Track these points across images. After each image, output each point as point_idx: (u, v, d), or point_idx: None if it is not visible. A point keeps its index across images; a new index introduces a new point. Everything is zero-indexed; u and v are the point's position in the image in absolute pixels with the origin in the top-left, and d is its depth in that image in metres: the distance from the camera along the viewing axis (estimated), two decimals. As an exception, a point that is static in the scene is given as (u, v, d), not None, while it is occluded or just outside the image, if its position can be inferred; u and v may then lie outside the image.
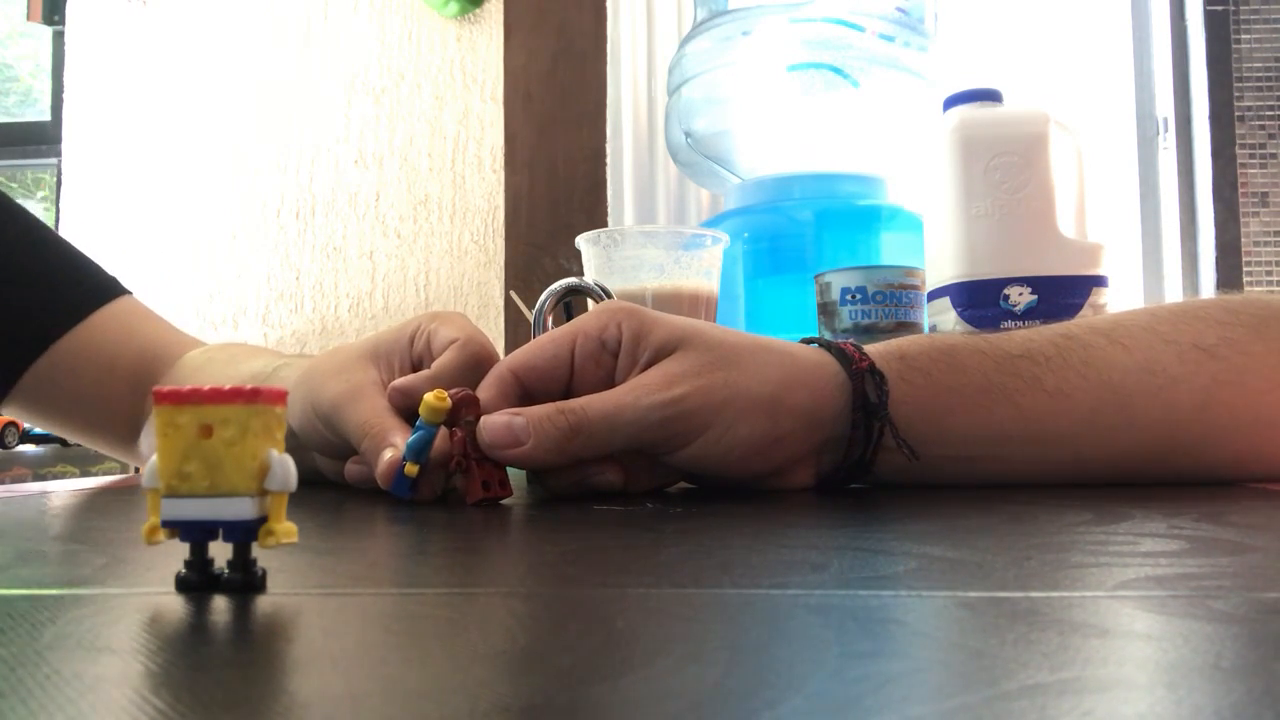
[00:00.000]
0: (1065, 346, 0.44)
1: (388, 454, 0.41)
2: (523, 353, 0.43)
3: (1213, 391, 0.43)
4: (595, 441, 0.40)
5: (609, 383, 0.43)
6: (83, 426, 0.71)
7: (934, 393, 0.43)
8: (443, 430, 0.40)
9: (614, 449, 0.41)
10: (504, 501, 0.40)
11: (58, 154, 2.01)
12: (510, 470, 0.41)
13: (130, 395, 0.67)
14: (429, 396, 0.39)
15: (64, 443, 2.10)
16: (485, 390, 0.42)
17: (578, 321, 0.43)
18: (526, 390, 0.42)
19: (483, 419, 0.40)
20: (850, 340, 0.45)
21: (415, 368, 0.47)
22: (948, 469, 0.44)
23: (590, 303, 0.74)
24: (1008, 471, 0.44)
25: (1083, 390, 0.43)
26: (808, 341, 0.46)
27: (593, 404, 0.40)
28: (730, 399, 0.40)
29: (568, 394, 0.43)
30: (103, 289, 0.71)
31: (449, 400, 0.39)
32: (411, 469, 0.39)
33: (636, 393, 0.40)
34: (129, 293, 0.72)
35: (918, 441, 0.43)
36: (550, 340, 0.43)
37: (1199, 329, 0.44)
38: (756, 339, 0.44)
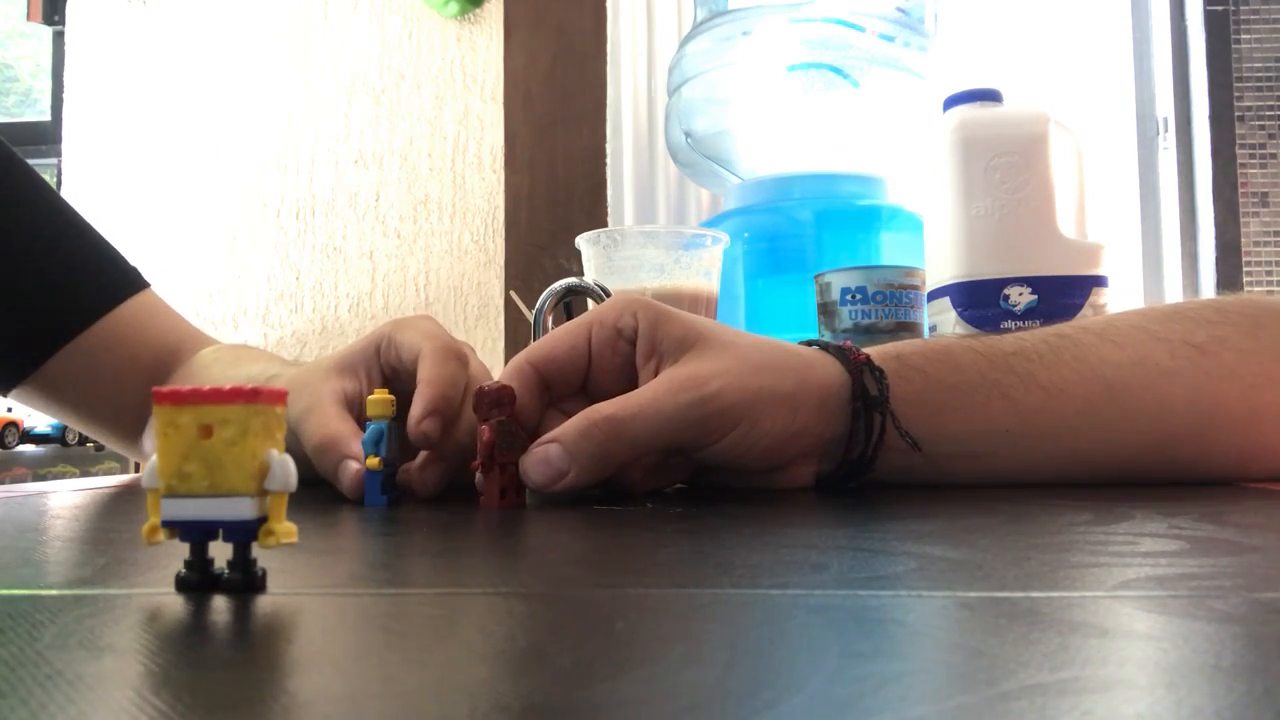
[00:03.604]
0: (1057, 344, 0.45)
1: (350, 466, 0.41)
2: (541, 345, 0.43)
3: (1205, 385, 0.44)
4: (637, 444, 0.40)
5: (627, 370, 0.43)
6: (92, 418, 0.71)
7: (930, 390, 0.43)
8: (427, 421, 0.40)
9: (653, 449, 0.41)
10: None
11: (58, 154, 2.01)
12: None
13: (146, 390, 0.68)
14: (374, 395, 0.39)
15: (64, 442, 2.10)
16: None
17: (592, 312, 0.44)
18: (546, 382, 0.42)
19: (522, 461, 0.39)
20: (846, 340, 0.45)
21: (387, 378, 0.47)
22: (946, 467, 0.44)
23: (590, 303, 0.74)
24: (1006, 468, 0.44)
25: (1076, 384, 0.44)
26: (805, 344, 0.46)
27: (626, 407, 0.39)
28: (758, 394, 0.41)
29: (586, 383, 0.43)
30: (128, 282, 0.71)
31: (389, 394, 0.40)
32: (372, 461, 0.39)
33: (671, 390, 0.40)
34: (149, 285, 0.73)
35: (916, 438, 0.43)
36: (567, 331, 0.43)
37: (1189, 327, 0.45)
38: (764, 338, 0.44)
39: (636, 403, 0.40)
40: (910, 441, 0.42)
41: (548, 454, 0.39)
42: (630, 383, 0.43)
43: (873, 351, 0.44)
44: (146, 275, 0.74)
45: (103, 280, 0.71)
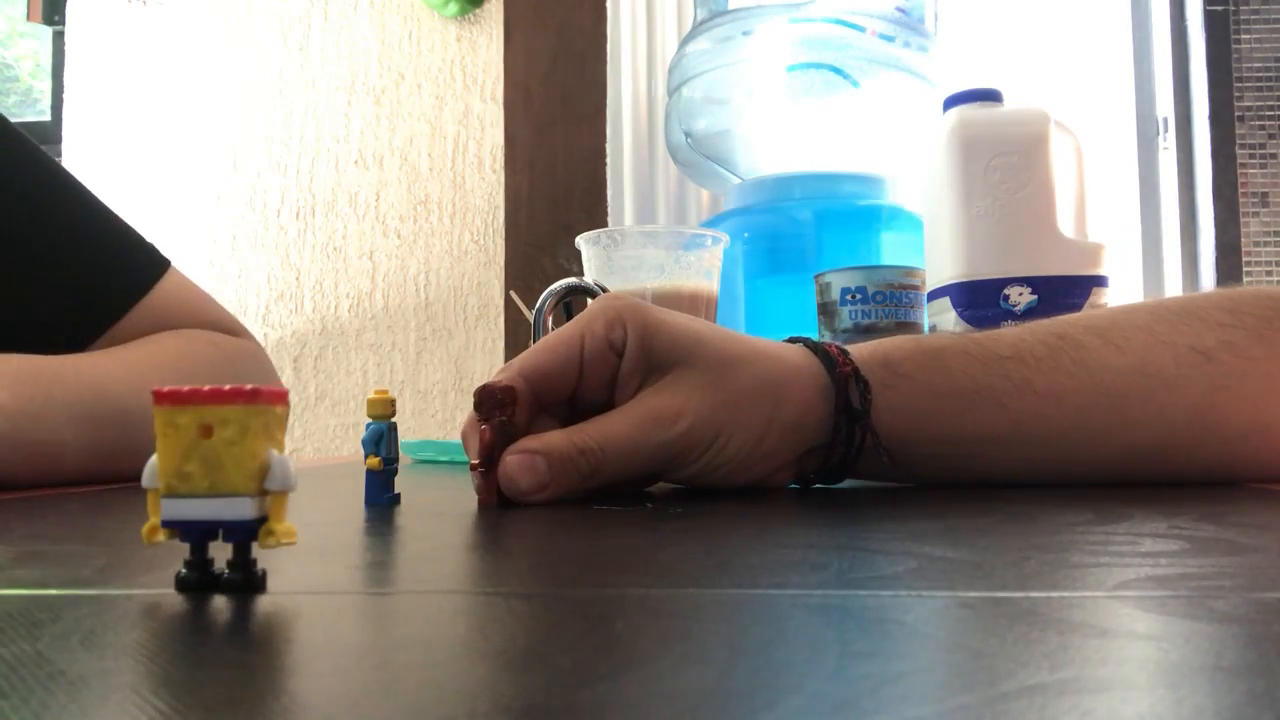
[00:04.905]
0: (1057, 347, 0.43)
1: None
2: (534, 358, 0.42)
3: (1209, 396, 0.43)
4: (610, 478, 0.40)
5: (613, 381, 0.43)
6: None
7: (919, 397, 0.43)
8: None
9: (625, 479, 0.41)
10: None
11: (58, 154, 2.01)
12: None
13: None
14: (373, 395, 0.39)
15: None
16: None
17: (584, 321, 0.43)
18: (536, 396, 0.42)
19: (504, 464, 0.39)
20: (836, 343, 0.45)
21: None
22: (934, 467, 0.44)
23: (590, 303, 0.74)
24: (997, 471, 0.44)
25: (1074, 392, 0.43)
26: (794, 341, 0.46)
27: (609, 444, 0.40)
28: (726, 423, 0.41)
29: (574, 393, 0.43)
30: (154, 264, 0.72)
31: (389, 394, 0.40)
32: (372, 462, 0.39)
33: (646, 427, 0.40)
34: (170, 262, 0.74)
35: (903, 443, 0.42)
36: (560, 343, 0.43)
37: (1198, 330, 0.43)
38: (752, 345, 0.43)
39: (618, 440, 0.40)
40: (887, 458, 0.42)
41: (535, 465, 0.39)
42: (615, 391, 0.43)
43: (863, 351, 0.44)
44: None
45: (132, 267, 0.71)
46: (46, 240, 0.68)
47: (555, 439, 0.40)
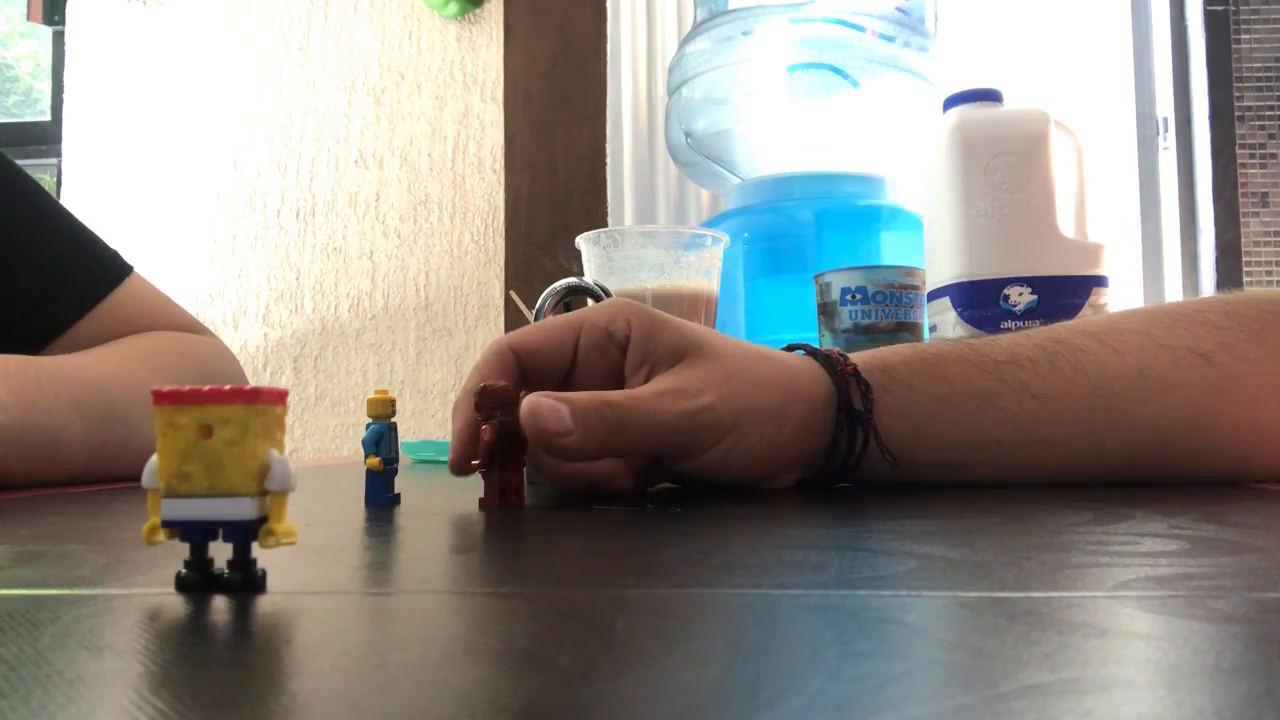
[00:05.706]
0: (1054, 351, 0.44)
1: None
2: (525, 333, 0.42)
3: (1208, 398, 0.43)
4: (634, 441, 0.39)
5: (613, 374, 0.42)
6: None
7: (917, 402, 0.43)
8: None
9: (643, 451, 0.40)
10: None
11: (58, 154, 2.01)
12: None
13: None
14: (373, 395, 0.39)
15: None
16: (483, 366, 0.41)
17: (583, 312, 0.43)
18: (524, 370, 0.42)
19: (532, 401, 0.38)
20: (836, 349, 0.45)
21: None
22: (934, 472, 0.44)
23: (590, 303, 0.74)
24: (996, 474, 0.44)
25: (1071, 395, 0.43)
26: (791, 349, 0.46)
27: (634, 403, 0.39)
28: (745, 409, 0.40)
29: (566, 382, 0.43)
30: (114, 270, 0.72)
31: (389, 395, 0.40)
32: (372, 461, 0.39)
33: (671, 394, 0.39)
34: (131, 269, 0.74)
35: (902, 448, 0.42)
36: (555, 326, 0.42)
37: (1196, 333, 0.44)
38: (755, 348, 0.44)
39: (642, 402, 0.39)
40: (890, 459, 0.42)
41: (559, 410, 0.37)
42: (613, 387, 0.42)
43: (861, 359, 0.44)
44: (141, 270, 0.75)
45: (93, 271, 0.71)
46: (4, 241, 0.68)
47: (577, 394, 0.39)
